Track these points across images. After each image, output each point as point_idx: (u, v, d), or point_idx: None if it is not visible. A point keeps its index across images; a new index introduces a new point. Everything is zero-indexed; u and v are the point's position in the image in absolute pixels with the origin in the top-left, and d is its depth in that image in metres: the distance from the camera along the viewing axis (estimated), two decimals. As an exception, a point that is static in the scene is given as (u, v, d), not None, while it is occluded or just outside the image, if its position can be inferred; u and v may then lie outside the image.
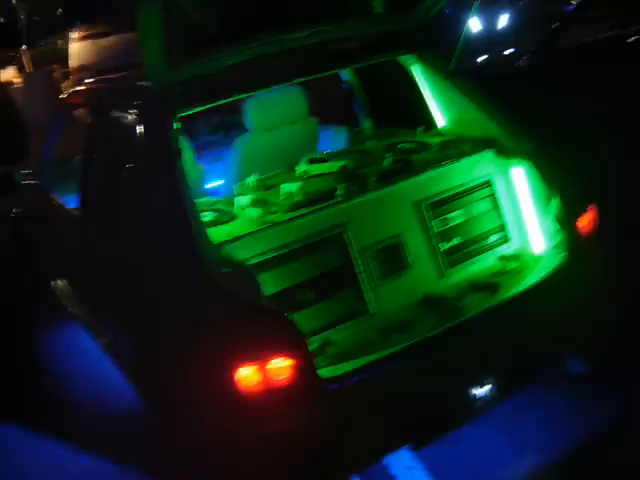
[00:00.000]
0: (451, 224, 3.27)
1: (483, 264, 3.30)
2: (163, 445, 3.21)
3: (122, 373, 3.62)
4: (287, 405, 2.58)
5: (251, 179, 3.47)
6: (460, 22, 3.53)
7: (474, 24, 6.73)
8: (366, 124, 4.43)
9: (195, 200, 3.01)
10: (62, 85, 10.80)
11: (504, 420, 3.28)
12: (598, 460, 3.03)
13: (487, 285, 3.15)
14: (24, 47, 11.39)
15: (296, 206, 3.11)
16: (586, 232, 3.15)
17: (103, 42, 8.50)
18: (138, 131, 3.15)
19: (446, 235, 3.25)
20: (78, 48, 9.14)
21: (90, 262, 3.73)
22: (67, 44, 9.56)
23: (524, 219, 3.37)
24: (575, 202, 3.17)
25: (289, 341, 2.57)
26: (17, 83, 12.38)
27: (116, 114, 3.51)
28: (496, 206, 3.36)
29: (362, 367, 2.71)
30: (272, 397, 2.55)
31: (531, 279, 3.13)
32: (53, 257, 4.59)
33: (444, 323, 2.90)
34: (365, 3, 3.65)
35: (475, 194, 3.33)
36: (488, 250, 3.33)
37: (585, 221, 3.14)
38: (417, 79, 3.77)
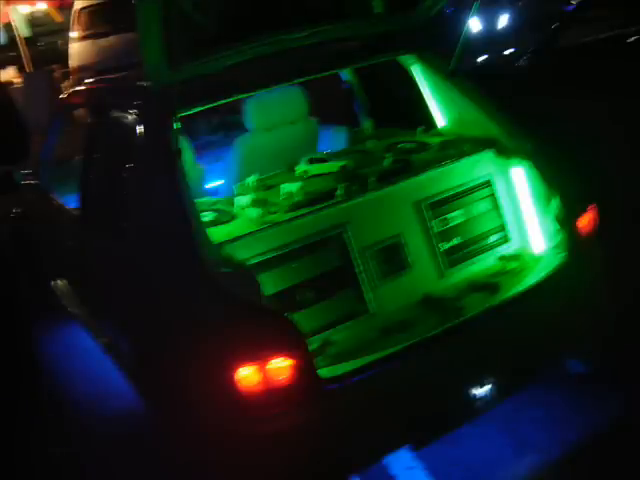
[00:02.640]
0: (451, 224, 3.26)
1: (483, 264, 3.30)
2: (163, 445, 3.21)
3: (122, 373, 3.63)
4: (287, 405, 2.58)
5: (251, 179, 3.47)
6: (460, 22, 3.53)
7: (474, 24, 6.76)
8: (366, 124, 4.43)
9: (195, 200, 3.01)
10: (62, 85, 10.82)
11: (504, 420, 3.28)
12: (598, 460, 3.03)
13: (487, 285, 3.15)
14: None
15: (296, 206, 3.10)
16: (586, 232, 3.15)
17: (103, 42, 8.49)
18: (138, 131, 3.15)
19: (446, 235, 3.25)
20: (78, 48, 9.14)
21: (90, 262, 3.73)
22: (67, 44, 9.56)
23: (524, 219, 3.37)
24: (575, 202, 3.17)
25: (289, 341, 2.56)
26: (17, 83, 12.41)
27: (116, 114, 3.51)
28: (496, 206, 3.36)
29: (362, 367, 2.70)
30: (272, 397, 2.55)
31: (531, 279, 3.12)
32: (53, 257, 4.60)
33: (444, 323, 2.90)
34: (365, 3, 3.65)
35: (475, 194, 3.33)
36: (488, 250, 3.32)
37: (585, 221, 3.14)
38: (417, 79, 3.76)
